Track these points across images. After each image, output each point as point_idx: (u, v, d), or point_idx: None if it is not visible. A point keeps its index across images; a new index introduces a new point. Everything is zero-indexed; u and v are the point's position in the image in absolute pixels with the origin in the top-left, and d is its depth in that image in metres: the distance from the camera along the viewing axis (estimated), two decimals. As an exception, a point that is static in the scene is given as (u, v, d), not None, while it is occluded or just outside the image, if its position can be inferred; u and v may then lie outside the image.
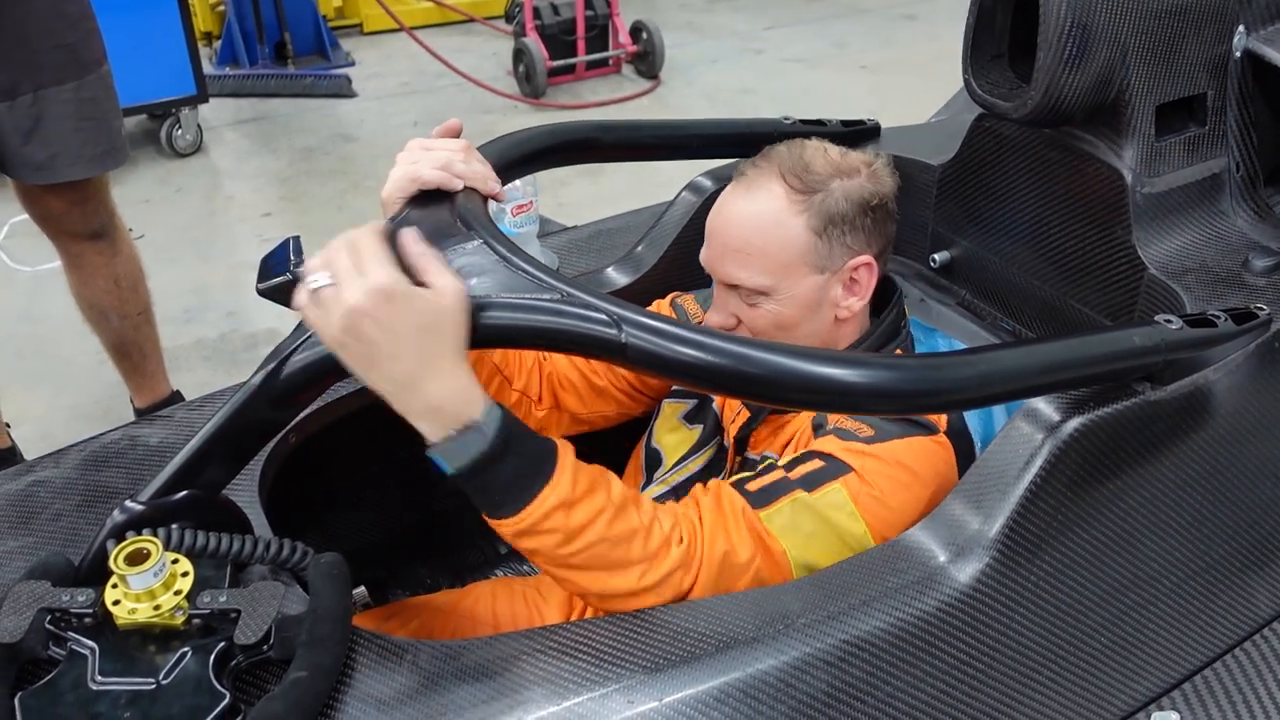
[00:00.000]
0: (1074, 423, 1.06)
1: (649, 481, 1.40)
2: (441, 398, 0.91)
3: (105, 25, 2.04)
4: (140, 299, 2.27)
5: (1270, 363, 1.21)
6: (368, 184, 3.88)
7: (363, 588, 1.17)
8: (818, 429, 1.18)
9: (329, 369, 1.00)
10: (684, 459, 1.37)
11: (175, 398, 2.45)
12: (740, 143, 1.62)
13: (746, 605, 1.02)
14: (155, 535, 0.96)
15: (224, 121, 4.36)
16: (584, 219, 1.63)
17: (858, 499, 1.10)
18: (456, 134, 1.20)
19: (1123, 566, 1.13)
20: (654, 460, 1.41)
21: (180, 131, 3.97)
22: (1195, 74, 1.35)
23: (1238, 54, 1.37)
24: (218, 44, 4.90)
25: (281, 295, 1.46)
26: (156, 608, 0.91)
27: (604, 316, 0.93)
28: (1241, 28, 1.36)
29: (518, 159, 1.30)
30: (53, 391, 2.73)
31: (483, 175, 1.17)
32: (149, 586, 0.91)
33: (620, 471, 1.49)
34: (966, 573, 1.04)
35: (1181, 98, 1.35)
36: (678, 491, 1.35)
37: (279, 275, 1.46)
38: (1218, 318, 1.16)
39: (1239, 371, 1.18)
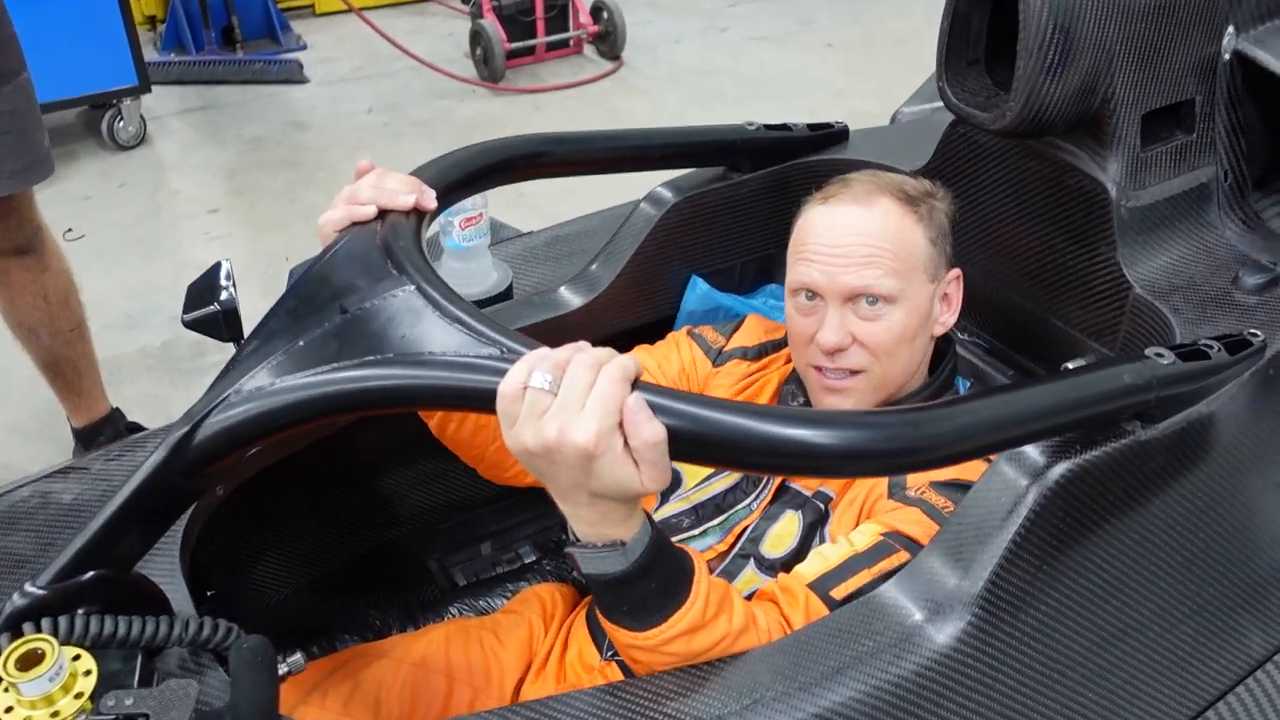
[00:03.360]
0: (1060, 468, 0.99)
1: (664, 501, 1.33)
2: (603, 517, 0.87)
3: (38, 12, 1.91)
4: (72, 315, 2.15)
5: (1265, 391, 1.14)
6: (320, 175, 3.75)
7: (299, 655, 1.08)
8: (894, 486, 1.16)
9: (250, 434, 0.91)
10: (709, 478, 1.31)
11: (114, 416, 2.34)
12: (702, 152, 1.54)
13: (713, 679, 0.94)
14: (55, 629, 0.86)
15: (169, 111, 4.20)
16: (546, 209, 1.50)
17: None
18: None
19: (1111, 616, 1.06)
20: (673, 481, 1.33)
21: (122, 123, 3.81)
22: (1183, 78, 1.27)
23: (1227, 56, 1.29)
24: (161, 28, 4.71)
25: (211, 327, 1.37)
26: (55, 714, 0.82)
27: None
28: (1231, 28, 1.28)
29: (460, 180, 1.20)
30: (-13, 407, 2.61)
31: (406, 196, 1.09)
32: (45, 692, 0.81)
33: None
34: (946, 632, 0.97)
35: (1168, 104, 1.27)
36: (698, 511, 1.30)
37: (207, 305, 1.37)
38: (1210, 347, 1.08)
39: (1233, 402, 1.11)
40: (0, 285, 2.07)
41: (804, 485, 1.26)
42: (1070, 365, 1.32)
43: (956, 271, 1.27)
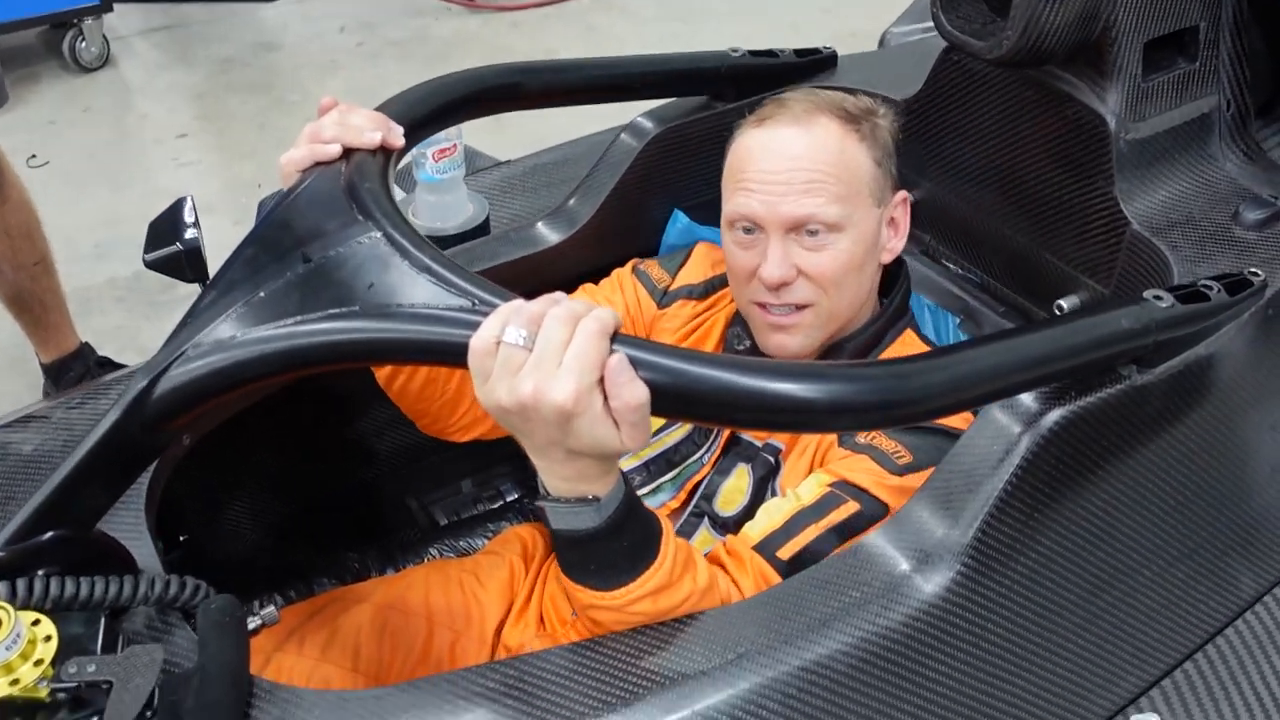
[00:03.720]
0: (1055, 414, 0.96)
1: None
2: (577, 472, 0.83)
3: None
4: (36, 248, 2.09)
5: (1264, 331, 1.11)
6: (291, 99, 3.64)
7: (273, 607, 1.05)
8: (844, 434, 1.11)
9: (210, 390, 0.87)
10: (661, 431, 1.27)
11: (84, 351, 2.29)
12: (684, 80, 1.48)
13: (696, 633, 0.92)
14: (14, 594, 0.83)
15: (133, 30, 4.05)
16: (524, 130, 1.42)
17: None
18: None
19: (1102, 561, 1.05)
20: None
21: (84, 44, 3.68)
22: (1187, 4, 1.22)
23: (1233, -21, 1.23)
24: (124, -59, 4.54)
25: (173, 266, 1.31)
26: (14, 682, 0.79)
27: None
28: (1239, -51, 1.22)
29: (428, 115, 1.14)
30: (-47, 342, 2.54)
31: (370, 134, 1.02)
32: (3, 660, 0.78)
33: None
34: (935, 582, 0.95)
35: (1172, 31, 1.22)
36: (649, 467, 1.26)
37: (169, 244, 1.32)
38: (1210, 288, 1.05)
39: (1232, 343, 1.08)
40: (-42, 219, 2.01)
41: (756, 437, 1.22)
42: (1063, 302, 1.30)
43: (904, 194, 1.21)
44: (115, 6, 3.72)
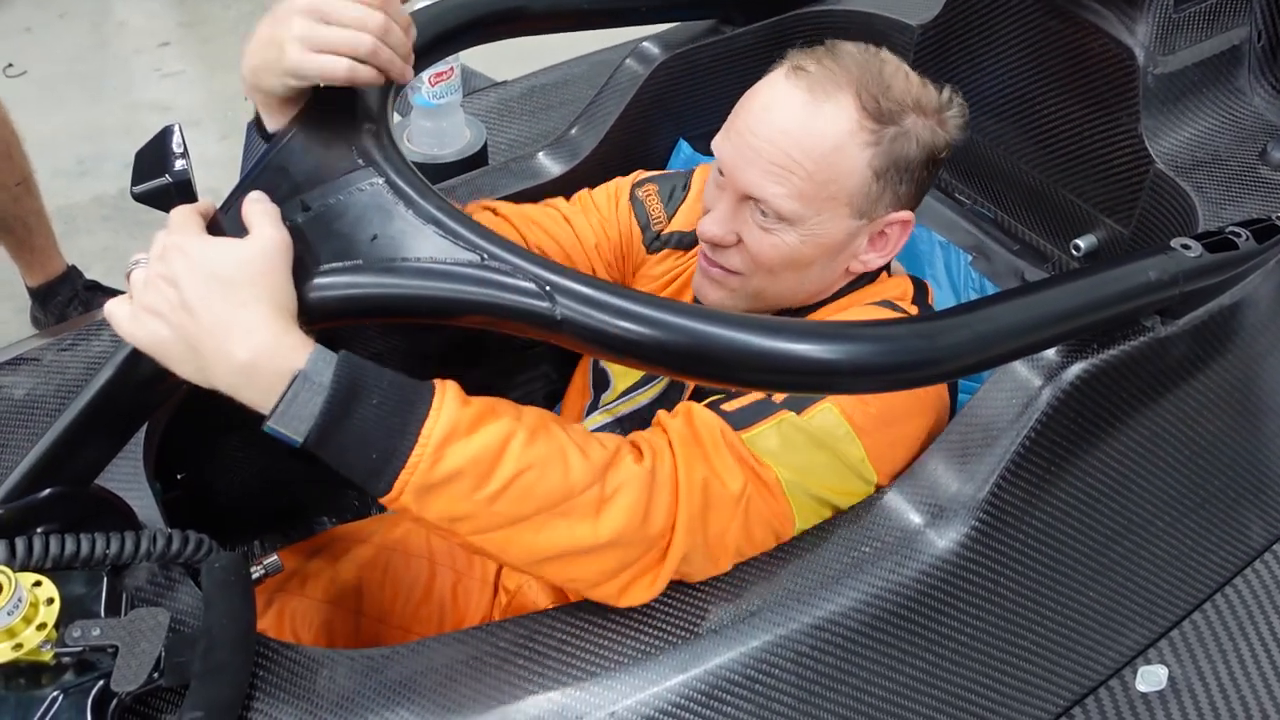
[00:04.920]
0: (1077, 368, 0.94)
1: (594, 407, 1.26)
2: (252, 353, 0.75)
3: None
4: (16, 168, 2.02)
5: (1288, 279, 1.08)
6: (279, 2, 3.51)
7: (275, 557, 1.04)
8: None
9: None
10: (634, 388, 1.21)
11: (71, 274, 2.23)
12: (691, 3, 1.42)
13: (705, 590, 0.91)
14: (13, 555, 0.81)
15: (109, -70, 3.90)
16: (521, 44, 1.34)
17: (852, 418, 0.93)
18: None
19: (1116, 514, 1.04)
20: (602, 381, 1.26)
21: (59, -56, 3.53)
22: (1224, -71, 1.16)
23: (1273, -98, 1.17)
24: None
25: (161, 200, 1.26)
26: (18, 646, 0.78)
27: (532, 285, 0.77)
28: None
29: (426, 44, 1.08)
30: (-64, 263, 2.49)
31: (400, 64, 0.89)
32: (5, 625, 0.77)
33: (560, 394, 1.35)
34: (949, 537, 0.94)
35: (1207, -42, 1.17)
36: (623, 424, 1.21)
37: (158, 176, 1.26)
38: (1238, 235, 1.01)
39: (1256, 291, 1.05)
40: (-66, 139, 1.94)
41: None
42: (1080, 242, 1.27)
43: (906, 216, 1.04)
44: (89, -95, 3.56)
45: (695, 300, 1.12)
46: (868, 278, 1.10)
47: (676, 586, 0.90)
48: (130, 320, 0.79)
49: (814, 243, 1.02)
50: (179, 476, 1.35)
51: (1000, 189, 1.36)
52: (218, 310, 0.75)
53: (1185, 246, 0.97)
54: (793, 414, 0.92)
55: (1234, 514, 1.15)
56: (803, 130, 0.99)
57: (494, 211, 1.20)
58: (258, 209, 0.81)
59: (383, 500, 0.78)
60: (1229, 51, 1.22)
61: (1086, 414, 0.96)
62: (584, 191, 1.27)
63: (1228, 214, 1.10)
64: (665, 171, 1.26)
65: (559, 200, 1.25)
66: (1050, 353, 0.95)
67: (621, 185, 1.26)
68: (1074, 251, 1.27)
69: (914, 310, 1.06)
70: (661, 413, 0.96)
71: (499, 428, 0.79)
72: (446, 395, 0.78)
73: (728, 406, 0.93)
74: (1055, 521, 0.99)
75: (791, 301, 1.10)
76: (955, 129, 1.05)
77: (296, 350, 0.76)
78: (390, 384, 0.77)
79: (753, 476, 0.90)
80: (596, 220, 1.23)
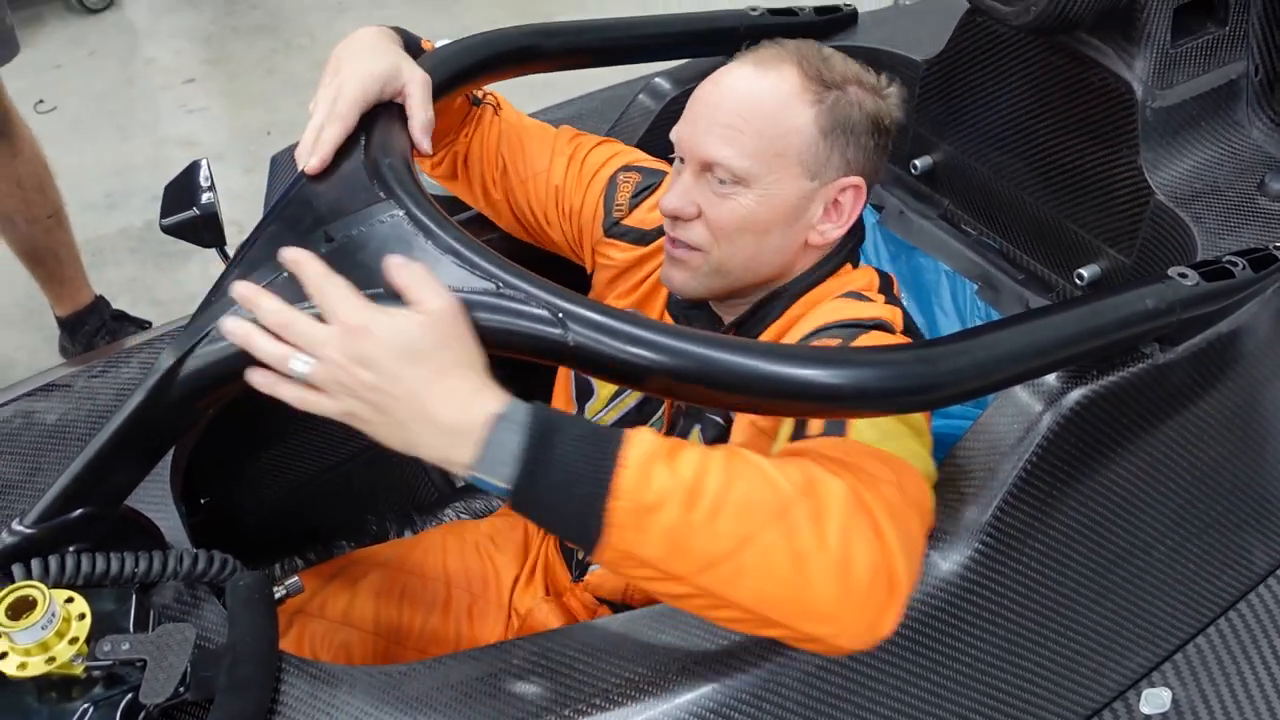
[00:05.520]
0: (1076, 394, 0.96)
1: (580, 413, 1.27)
2: (456, 415, 0.75)
3: None
4: (49, 201, 2.07)
5: (1287, 307, 1.10)
6: (300, 42, 3.59)
7: (296, 578, 1.07)
8: None
9: (236, 371, 0.87)
10: (619, 394, 1.24)
11: (99, 304, 2.29)
12: (702, 40, 1.46)
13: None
14: (46, 572, 0.84)
15: (137, -30, 4.00)
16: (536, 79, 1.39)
17: None
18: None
19: (1118, 538, 1.05)
20: (586, 391, 1.28)
21: (89, -16, 3.63)
22: (1220, -34, 1.19)
23: (1267, -58, 1.20)
24: (125, -123, 4.45)
25: (190, 231, 1.31)
26: (50, 659, 0.81)
27: (545, 313, 0.80)
28: (1274, -90, 1.19)
29: (445, 80, 1.12)
30: (-32, 293, 2.55)
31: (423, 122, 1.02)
32: (39, 640, 0.80)
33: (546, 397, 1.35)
34: (952, 560, 0.96)
35: (1203, -5, 1.20)
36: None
37: (185, 208, 1.31)
38: (1235, 265, 1.04)
39: (1254, 319, 1.07)
40: (-30, 173, 2.00)
41: None
42: (1083, 271, 1.29)
43: (856, 181, 1.08)
44: (118, -54, 3.66)
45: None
46: (830, 264, 1.12)
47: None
48: (332, 403, 0.78)
49: (769, 204, 1.05)
50: (202, 501, 1.38)
51: (1005, 220, 1.39)
52: (418, 383, 0.76)
53: (1182, 275, 0.99)
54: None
55: (1237, 539, 1.16)
56: (749, 92, 1.05)
57: (496, 109, 1.28)
58: (418, 278, 0.79)
59: (597, 550, 0.74)
60: (1226, 85, 1.24)
61: (1088, 439, 0.98)
62: (590, 140, 1.31)
63: (1226, 243, 1.12)
64: (657, 165, 1.29)
65: (565, 129, 1.31)
66: (1051, 378, 0.97)
67: (613, 161, 1.29)
68: (1078, 281, 1.30)
69: (880, 299, 1.07)
70: (789, 446, 0.90)
71: (693, 450, 0.76)
72: (639, 431, 0.77)
73: (812, 429, 0.89)
74: (1059, 545, 1.00)
75: (754, 277, 1.11)
76: (895, 105, 1.11)
77: (493, 401, 0.76)
78: (584, 423, 0.77)
79: (888, 463, 0.84)
80: (575, 173, 1.28)
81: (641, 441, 0.74)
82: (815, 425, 0.88)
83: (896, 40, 1.48)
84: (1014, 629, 0.99)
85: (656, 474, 0.73)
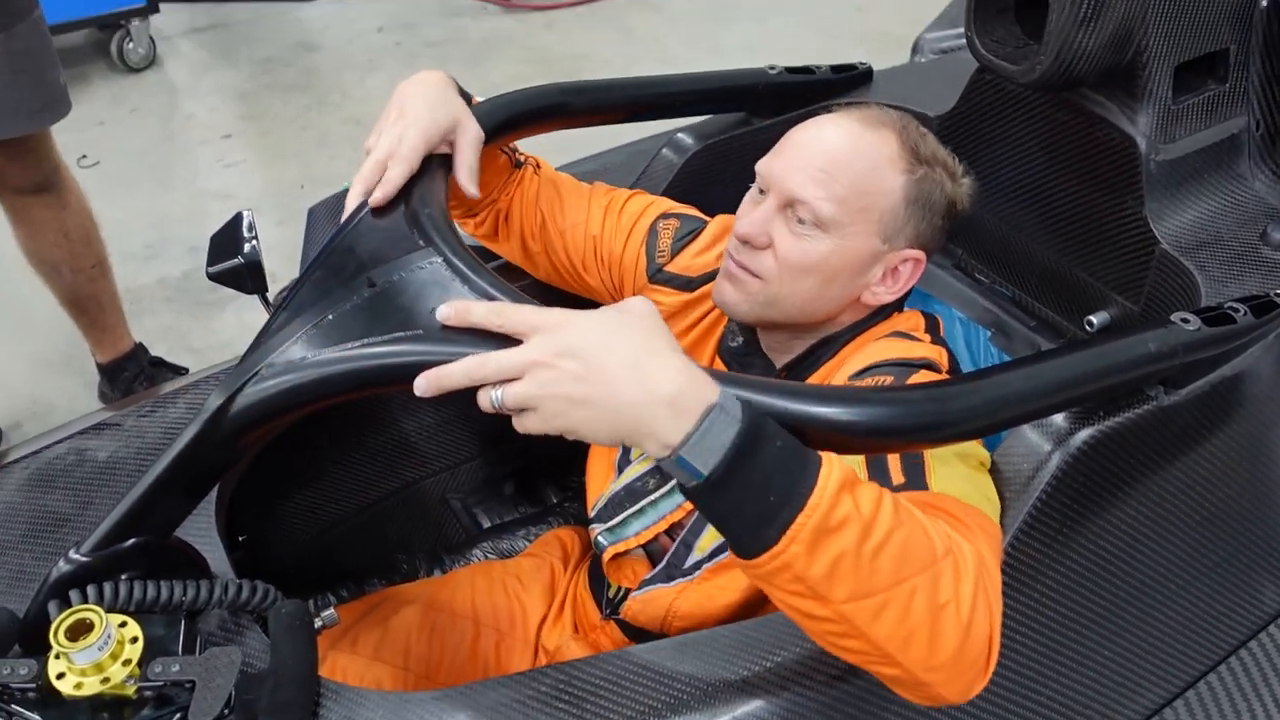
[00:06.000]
0: (1084, 434, 1.00)
1: (626, 454, 1.31)
2: (676, 385, 0.74)
3: (40, -69, 1.84)
4: (94, 251, 2.15)
5: (1289, 352, 1.14)
6: (332, 99, 3.70)
7: (332, 610, 1.11)
8: None
9: (283, 408, 0.92)
10: None
11: (138, 351, 2.36)
12: (723, 97, 1.52)
13: (727, 641, 0.96)
14: (101, 597, 0.89)
15: (178, 30, 4.13)
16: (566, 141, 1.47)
17: None
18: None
19: (1129, 576, 1.08)
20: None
21: (132, 45, 3.76)
22: (1218, 27, 1.25)
23: (1264, 3, 1.26)
24: (167, -58, 4.63)
25: (235, 279, 1.37)
26: (105, 680, 0.85)
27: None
28: (1270, -26, 1.25)
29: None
30: (11, 340, 2.62)
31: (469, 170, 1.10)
32: (95, 660, 0.84)
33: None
34: (967, 594, 0.98)
35: (1202, 54, 1.24)
36: (661, 470, 1.25)
37: (230, 257, 1.37)
38: (1236, 311, 1.08)
39: (1258, 363, 1.11)
40: (21, 224, 2.07)
41: None
42: (1093, 318, 1.33)
43: (919, 254, 1.13)
44: (161, 6, 3.79)
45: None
46: (880, 315, 1.16)
47: (706, 636, 0.96)
48: (536, 419, 0.78)
49: (841, 254, 1.10)
50: (240, 539, 1.43)
51: (1017, 268, 1.43)
52: (631, 355, 0.75)
53: (1185, 320, 1.03)
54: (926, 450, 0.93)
55: (1248, 579, 1.18)
56: (852, 145, 1.10)
57: (536, 168, 1.33)
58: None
59: (763, 555, 0.75)
60: (1229, 140, 1.29)
61: (1096, 478, 1.02)
62: (624, 192, 1.36)
63: (1230, 291, 1.16)
64: (692, 212, 1.34)
65: (599, 184, 1.36)
66: (1059, 419, 1.01)
67: (650, 210, 1.34)
68: (1088, 327, 1.34)
69: (926, 339, 1.11)
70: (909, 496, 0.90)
71: (871, 487, 0.78)
72: (833, 455, 0.79)
73: (897, 480, 0.91)
74: (1069, 581, 1.03)
75: (803, 317, 1.15)
76: (968, 196, 1.18)
77: (709, 385, 0.76)
78: (785, 434, 0.77)
79: (981, 524, 0.88)
80: (612, 223, 1.33)
81: (838, 467, 0.77)
82: (896, 476, 0.91)
83: (910, 97, 1.54)
84: (1026, 664, 1.01)
85: (843, 501, 0.75)
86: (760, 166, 1.15)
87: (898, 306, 1.20)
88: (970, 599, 0.78)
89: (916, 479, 0.90)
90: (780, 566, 0.75)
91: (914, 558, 0.77)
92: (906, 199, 1.11)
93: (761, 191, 1.15)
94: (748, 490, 0.74)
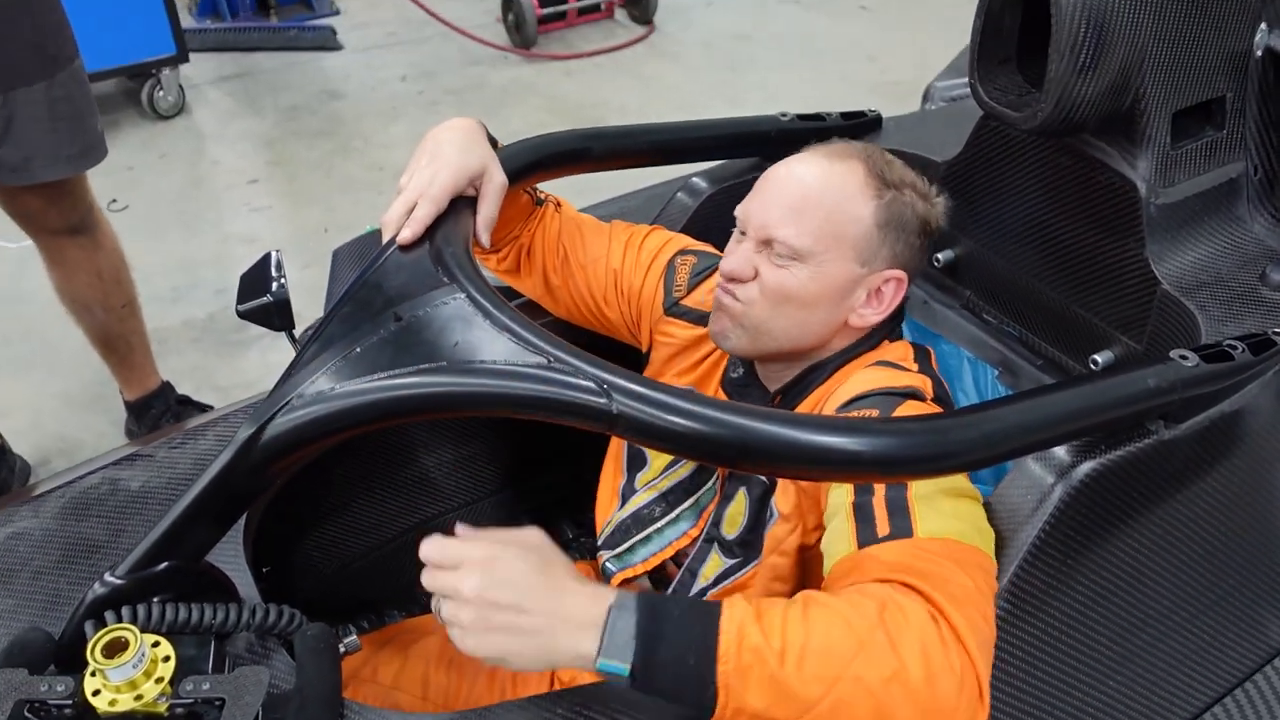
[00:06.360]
0: (1086, 466, 1.03)
1: (630, 482, 1.36)
2: (584, 608, 0.85)
3: (77, -18, 1.92)
4: (124, 291, 2.22)
5: (1288, 389, 1.16)
6: (355, 145, 3.79)
7: (354, 636, 1.14)
8: None
9: (312, 436, 0.96)
10: (674, 463, 1.31)
11: (165, 390, 2.41)
12: (737, 144, 1.57)
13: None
14: (134, 618, 0.93)
15: (206, 79, 4.24)
16: (584, 186, 1.52)
17: None
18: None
19: (1133, 606, 1.10)
20: (638, 460, 1.37)
21: (162, 93, 3.86)
22: (1214, 76, 1.29)
23: (1259, 52, 1.30)
24: (198, -5, 4.76)
25: (263, 317, 1.42)
26: (138, 698, 0.88)
27: (591, 384, 0.89)
28: (1264, 25, 1.29)
29: (508, 175, 1.23)
30: (41, 378, 2.69)
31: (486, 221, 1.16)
32: (129, 678, 0.87)
33: (598, 463, 1.44)
34: (972, 624, 1.01)
35: (1200, 102, 1.29)
36: (667, 498, 1.31)
37: (260, 295, 1.42)
38: (1234, 348, 1.11)
39: (1256, 400, 1.14)
40: (56, 264, 2.14)
41: None
42: (1098, 357, 1.36)
43: (900, 274, 1.19)
44: (191, 56, 3.90)
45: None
46: (870, 342, 1.21)
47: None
48: (474, 640, 0.86)
49: (820, 280, 1.16)
50: (264, 570, 1.47)
51: (1023, 308, 1.47)
52: (552, 588, 0.85)
53: (1183, 357, 1.06)
54: (910, 489, 0.96)
55: (1252, 613, 1.20)
56: (820, 179, 1.18)
57: (557, 206, 1.40)
58: (489, 537, 0.89)
59: (715, 711, 0.82)
60: (1227, 184, 1.33)
61: (1099, 510, 1.04)
62: (643, 228, 1.43)
63: (1229, 330, 1.19)
64: (709, 249, 1.39)
65: (618, 222, 1.42)
66: (1062, 453, 1.03)
67: (669, 246, 1.40)
68: (1093, 366, 1.36)
69: (914, 368, 1.15)
70: (863, 555, 0.94)
71: (775, 608, 0.85)
72: (732, 597, 0.86)
73: (880, 530, 0.95)
74: (1074, 611, 1.05)
75: (793, 345, 1.20)
76: (941, 213, 1.24)
77: (604, 593, 0.85)
78: (683, 600, 0.87)
79: (958, 557, 0.92)
80: (632, 257, 1.39)
81: (734, 607, 0.84)
82: (882, 526, 0.95)
83: (918, 143, 1.58)
84: (1032, 693, 1.03)
85: (749, 635, 0.82)
86: (738, 210, 1.22)
87: (890, 334, 1.24)
88: (920, 656, 0.82)
89: (902, 528, 0.94)
90: (735, 713, 0.82)
91: (838, 651, 0.82)
92: (878, 223, 1.17)
93: (742, 233, 1.21)
94: (671, 666, 0.82)
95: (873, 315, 1.20)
